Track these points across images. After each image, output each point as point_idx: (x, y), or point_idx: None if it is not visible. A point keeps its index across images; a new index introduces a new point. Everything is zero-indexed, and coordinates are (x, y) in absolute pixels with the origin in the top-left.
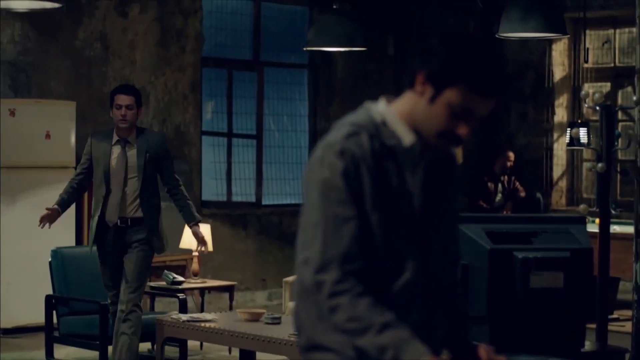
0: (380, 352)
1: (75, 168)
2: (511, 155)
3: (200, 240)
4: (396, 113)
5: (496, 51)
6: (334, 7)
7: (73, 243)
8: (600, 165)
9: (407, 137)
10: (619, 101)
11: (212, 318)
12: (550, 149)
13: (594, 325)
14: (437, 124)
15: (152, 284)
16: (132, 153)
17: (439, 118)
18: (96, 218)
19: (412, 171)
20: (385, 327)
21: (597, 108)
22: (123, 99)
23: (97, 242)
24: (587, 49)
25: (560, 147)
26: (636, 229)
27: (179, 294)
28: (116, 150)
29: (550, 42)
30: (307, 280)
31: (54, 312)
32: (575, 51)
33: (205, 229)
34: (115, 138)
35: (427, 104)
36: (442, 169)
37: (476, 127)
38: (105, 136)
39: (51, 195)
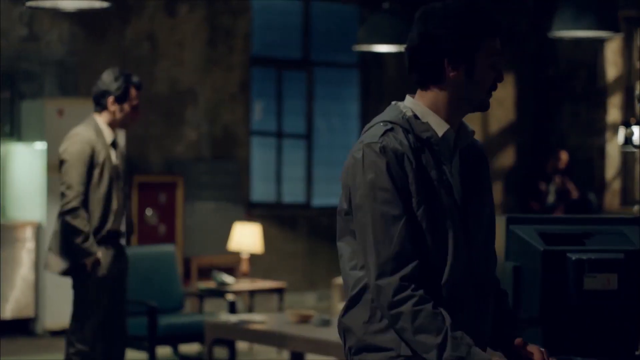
0: None
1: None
2: (563, 155)
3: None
4: (425, 107)
5: None
6: (384, 6)
7: None
8: None
9: (440, 128)
10: None
11: (261, 319)
12: (603, 149)
13: None
14: (487, 85)
15: (202, 285)
16: (119, 154)
17: (486, 80)
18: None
19: (449, 161)
20: (450, 339)
21: None
22: (138, 96)
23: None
24: None
25: (613, 148)
26: None
27: (228, 295)
28: (113, 152)
29: (603, 41)
30: (370, 285)
31: None
32: (629, 50)
33: (255, 230)
34: (110, 136)
35: (468, 81)
36: (474, 163)
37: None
38: (96, 135)
39: None
